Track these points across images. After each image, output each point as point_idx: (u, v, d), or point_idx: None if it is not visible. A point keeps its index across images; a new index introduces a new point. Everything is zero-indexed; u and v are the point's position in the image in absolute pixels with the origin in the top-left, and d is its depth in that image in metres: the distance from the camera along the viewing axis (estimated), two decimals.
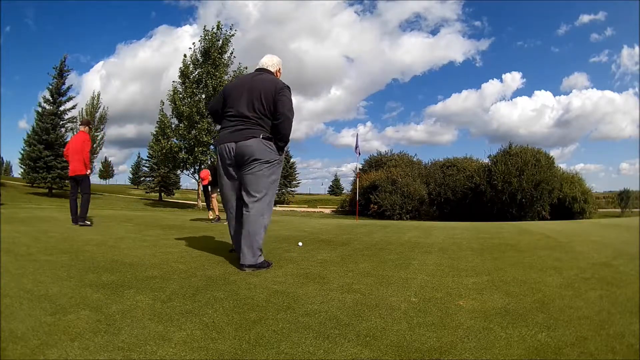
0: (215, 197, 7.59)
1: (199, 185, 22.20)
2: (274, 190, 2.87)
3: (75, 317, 1.58)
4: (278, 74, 3.05)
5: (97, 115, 29.53)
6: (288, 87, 2.84)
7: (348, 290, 2.15)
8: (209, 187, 7.52)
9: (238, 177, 2.83)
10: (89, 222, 5.45)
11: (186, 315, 1.66)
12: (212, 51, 20.44)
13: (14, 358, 1.23)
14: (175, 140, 20.70)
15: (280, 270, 2.66)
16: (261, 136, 2.72)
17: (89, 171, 5.82)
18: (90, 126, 6.62)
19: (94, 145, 26.88)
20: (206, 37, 20.69)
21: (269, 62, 3.01)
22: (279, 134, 2.80)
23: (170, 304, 1.81)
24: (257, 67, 3.02)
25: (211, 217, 7.56)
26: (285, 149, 2.98)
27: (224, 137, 2.81)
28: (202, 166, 20.80)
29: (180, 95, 20.29)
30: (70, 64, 28.91)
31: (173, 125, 20.79)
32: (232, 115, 2.82)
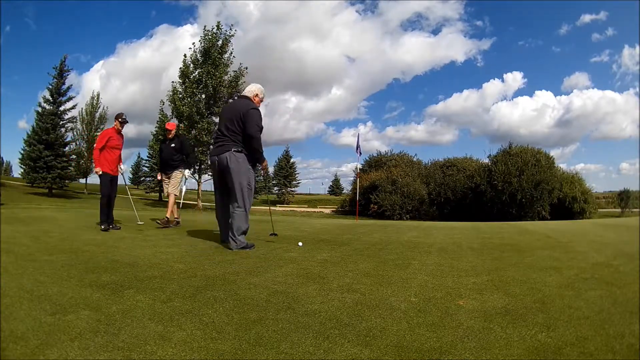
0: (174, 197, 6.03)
1: (199, 185, 22.17)
2: (249, 189, 3.64)
3: (75, 317, 1.58)
4: (255, 98, 3.81)
5: (97, 115, 29.59)
6: (254, 109, 3.64)
7: (348, 290, 2.15)
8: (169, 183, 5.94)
9: (222, 182, 3.72)
10: (102, 226, 4.91)
11: (186, 315, 1.66)
12: (212, 51, 20.42)
13: (14, 358, 1.23)
14: None
15: (280, 270, 2.66)
16: (232, 150, 3.57)
17: (97, 169, 5.14)
18: (120, 120, 5.39)
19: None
20: (206, 37, 20.67)
21: (248, 90, 3.88)
22: (250, 151, 3.62)
23: (170, 304, 1.81)
24: (240, 94, 3.99)
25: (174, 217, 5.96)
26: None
27: (211, 151, 3.80)
28: (202, 166, 20.78)
29: (180, 96, 20.26)
30: (70, 64, 28.85)
31: None
32: (217, 135, 3.79)
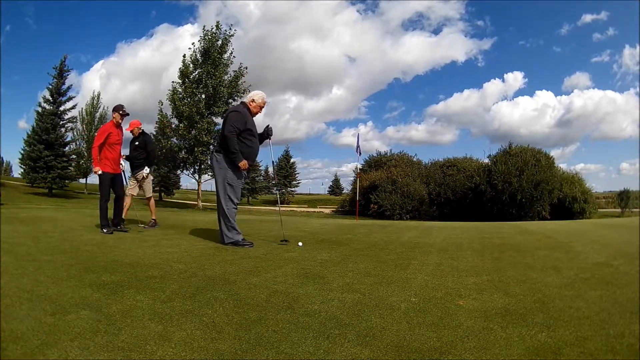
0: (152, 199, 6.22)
1: (199, 185, 22.15)
2: (228, 187, 3.79)
3: (75, 317, 1.58)
4: (252, 103, 3.95)
5: (97, 115, 29.54)
6: (234, 111, 3.86)
7: (348, 290, 2.15)
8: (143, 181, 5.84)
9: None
10: (104, 230, 4.58)
11: (186, 315, 1.66)
12: (212, 51, 20.40)
13: (14, 358, 1.23)
14: (175, 140, 20.68)
15: (280, 270, 2.66)
16: (214, 151, 3.92)
17: (96, 168, 4.75)
18: (121, 112, 4.93)
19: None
20: (206, 37, 20.65)
21: (248, 95, 4.06)
22: (226, 152, 3.76)
23: (170, 304, 1.81)
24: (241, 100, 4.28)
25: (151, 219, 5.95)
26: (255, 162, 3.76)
27: None
28: (202, 166, 20.76)
29: (180, 96, 20.24)
30: (70, 64, 28.58)
31: (173, 125, 20.77)
32: None
